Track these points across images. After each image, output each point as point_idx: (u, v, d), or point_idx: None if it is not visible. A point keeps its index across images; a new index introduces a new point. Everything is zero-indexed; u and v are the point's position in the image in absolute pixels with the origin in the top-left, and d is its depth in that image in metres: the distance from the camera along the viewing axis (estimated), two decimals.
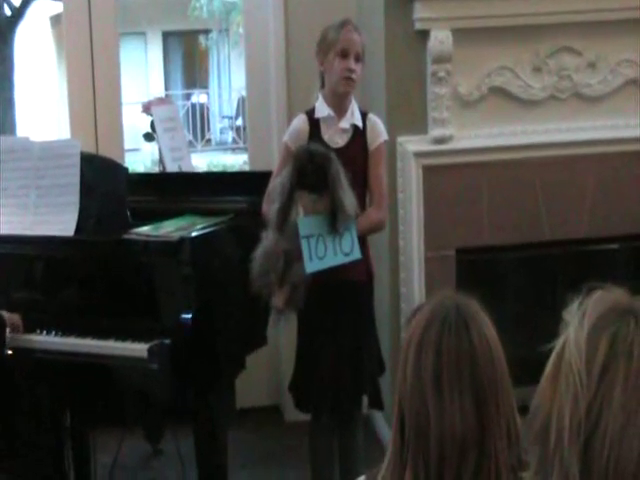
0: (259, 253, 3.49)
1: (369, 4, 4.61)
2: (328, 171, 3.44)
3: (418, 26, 4.33)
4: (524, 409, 1.51)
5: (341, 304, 3.64)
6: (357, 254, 3.52)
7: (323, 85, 3.77)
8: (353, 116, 3.72)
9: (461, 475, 1.69)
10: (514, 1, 4.36)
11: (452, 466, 1.69)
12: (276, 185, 3.53)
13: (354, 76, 3.67)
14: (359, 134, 3.71)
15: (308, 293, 3.51)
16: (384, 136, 3.76)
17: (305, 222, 3.46)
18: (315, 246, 3.45)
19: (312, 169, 3.45)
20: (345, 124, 3.70)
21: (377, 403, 3.79)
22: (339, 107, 3.71)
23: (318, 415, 3.75)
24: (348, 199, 3.46)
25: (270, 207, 3.53)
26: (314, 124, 3.72)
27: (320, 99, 3.74)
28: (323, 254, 3.46)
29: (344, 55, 3.66)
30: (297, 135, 3.72)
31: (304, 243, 3.43)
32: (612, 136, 4.51)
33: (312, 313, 3.61)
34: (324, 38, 3.73)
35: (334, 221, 3.46)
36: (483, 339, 1.74)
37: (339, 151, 3.61)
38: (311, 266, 3.44)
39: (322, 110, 3.72)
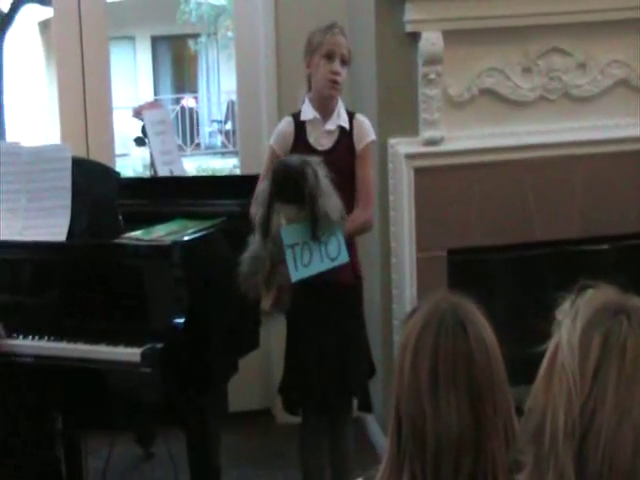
0: (246, 256, 3.49)
1: (360, 6, 4.61)
2: (305, 185, 3.41)
3: (409, 28, 4.33)
4: (517, 410, 1.51)
5: (327, 306, 3.63)
6: (344, 258, 3.51)
7: (310, 88, 3.76)
8: (339, 117, 3.71)
9: (458, 476, 1.68)
10: (504, 2, 4.36)
11: (449, 467, 1.68)
12: (259, 192, 3.53)
13: (339, 79, 3.66)
14: (346, 135, 3.70)
15: (295, 295, 3.51)
16: (371, 136, 3.75)
17: (288, 231, 3.45)
18: (300, 254, 3.43)
19: (289, 183, 3.43)
20: (331, 126, 3.70)
21: (366, 406, 3.79)
22: (325, 109, 3.71)
23: (307, 417, 3.75)
24: (332, 205, 3.43)
25: (255, 213, 3.52)
26: (300, 127, 3.71)
27: (306, 102, 3.74)
28: (308, 261, 3.45)
29: (329, 58, 3.66)
30: (283, 138, 3.72)
31: (288, 252, 3.41)
32: (602, 137, 4.51)
33: (299, 315, 3.61)
34: (310, 41, 3.73)
35: (315, 230, 3.44)
36: (480, 340, 1.73)
37: (325, 153, 3.60)
38: (296, 275, 3.42)
39: (308, 113, 3.71)
